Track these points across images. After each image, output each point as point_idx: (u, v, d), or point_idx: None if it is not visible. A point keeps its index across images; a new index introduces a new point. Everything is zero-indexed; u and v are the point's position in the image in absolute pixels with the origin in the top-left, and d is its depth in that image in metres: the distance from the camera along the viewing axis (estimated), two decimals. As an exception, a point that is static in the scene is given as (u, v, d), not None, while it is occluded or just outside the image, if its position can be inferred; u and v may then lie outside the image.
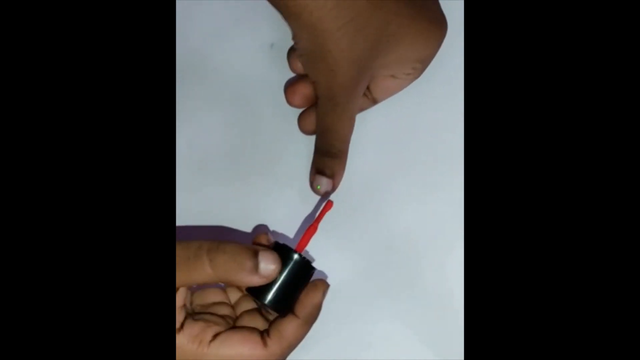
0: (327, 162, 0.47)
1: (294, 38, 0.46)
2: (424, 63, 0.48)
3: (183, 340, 0.39)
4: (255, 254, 0.40)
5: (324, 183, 0.47)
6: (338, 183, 0.48)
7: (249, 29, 0.52)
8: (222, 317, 0.43)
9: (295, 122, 0.50)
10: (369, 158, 0.50)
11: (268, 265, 0.40)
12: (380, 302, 0.49)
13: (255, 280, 0.40)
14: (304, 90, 0.48)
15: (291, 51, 0.49)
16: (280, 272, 0.41)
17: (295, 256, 0.41)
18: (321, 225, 0.48)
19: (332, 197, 0.48)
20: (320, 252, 0.47)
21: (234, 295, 0.45)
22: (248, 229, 0.50)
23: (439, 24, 0.48)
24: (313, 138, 0.49)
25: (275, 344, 0.41)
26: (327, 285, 0.42)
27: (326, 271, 0.49)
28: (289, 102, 0.49)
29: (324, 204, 0.44)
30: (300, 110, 0.49)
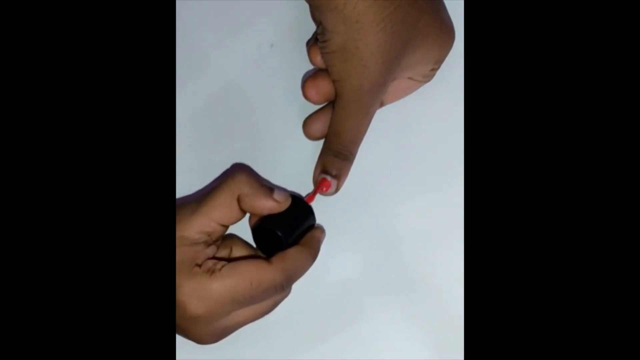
0: (336, 163, 0.47)
1: (323, 33, 0.45)
2: (440, 64, 0.48)
3: (199, 271, 0.43)
4: (271, 187, 0.45)
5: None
6: (342, 184, 0.48)
7: (249, 29, 0.52)
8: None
9: (296, 121, 0.50)
10: (370, 158, 0.50)
11: (281, 194, 0.45)
12: (381, 301, 0.49)
13: (269, 204, 0.44)
14: (324, 87, 0.47)
15: (311, 43, 0.48)
16: (290, 213, 0.45)
17: (303, 203, 0.47)
18: (322, 225, 0.48)
19: (333, 197, 0.48)
20: (321, 252, 0.47)
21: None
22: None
23: (451, 26, 0.48)
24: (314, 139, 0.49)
25: (279, 261, 0.44)
26: (323, 229, 0.48)
27: (327, 270, 0.49)
28: (306, 95, 0.47)
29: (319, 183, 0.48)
30: (302, 109, 0.49)
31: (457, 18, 0.48)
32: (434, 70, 0.48)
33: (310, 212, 0.47)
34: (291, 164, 0.50)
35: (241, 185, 0.44)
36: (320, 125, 0.48)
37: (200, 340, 0.44)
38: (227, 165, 0.51)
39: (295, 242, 0.46)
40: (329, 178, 0.47)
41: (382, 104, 0.49)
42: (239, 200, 0.44)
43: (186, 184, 0.50)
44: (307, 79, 0.47)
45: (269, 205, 0.44)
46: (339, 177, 0.47)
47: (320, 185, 0.47)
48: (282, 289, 0.44)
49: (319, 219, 0.48)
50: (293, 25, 0.51)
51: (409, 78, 0.48)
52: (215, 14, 0.52)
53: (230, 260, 0.45)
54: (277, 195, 0.44)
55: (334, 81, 0.46)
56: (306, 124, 0.49)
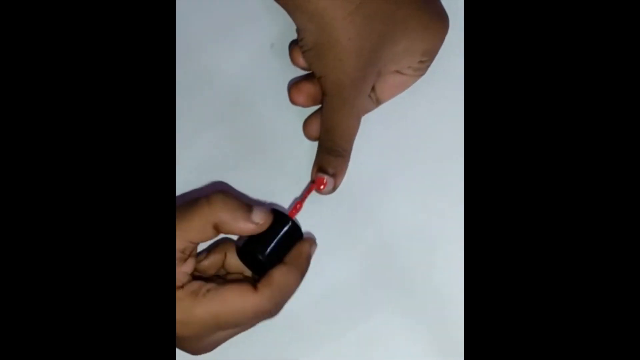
0: (331, 160, 0.47)
1: (299, 33, 0.45)
2: (430, 56, 0.48)
3: (182, 295, 0.42)
4: (249, 207, 0.43)
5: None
6: (340, 182, 0.48)
7: (249, 29, 0.52)
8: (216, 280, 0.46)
9: (296, 121, 0.50)
10: (369, 158, 0.50)
11: (260, 214, 0.43)
12: (380, 302, 0.49)
13: (248, 227, 0.43)
14: (309, 89, 0.47)
15: (293, 45, 0.48)
16: (272, 231, 0.44)
17: (286, 218, 0.45)
18: (321, 225, 0.48)
19: (332, 196, 0.48)
20: (321, 252, 0.47)
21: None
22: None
23: (442, 17, 0.48)
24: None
25: (265, 287, 0.43)
26: (314, 241, 0.46)
27: (326, 271, 0.49)
28: (293, 101, 0.48)
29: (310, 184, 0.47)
30: (302, 110, 0.49)
31: (457, 16, 0.48)
32: (423, 62, 0.48)
33: (294, 228, 0.45)
34: (291, 164, 0.50)
35: (217, 211, 0.42)
36: (319, 125, 0.48)
37: (191, 353, 0.45)
38: (227, 165, 0.51)
39: (280, 259, 0.45)
40: (325, 177, 0.47)
41: (378, 102, 0.49)
42: (216, 227, 0.43)
43: (185, 183, 0.50)
44: (292, 86, 0.48)
45: (247, 229, 0.43)
46: (336, 175, 0.47)
47: (316, 184, 0.47)
48: (269, 315, 0.43)
49: (317, 219, 0.48)
50: (293, 25, 0.50)
51: (397, 72, 0.48)
52: (215, 14, 0.52)
53: (219, 278, 0.46)
54: (255, 216, 0.43)
55: (318, 79, 0.46)
56: (306, 124, 0.49)
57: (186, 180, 0.50)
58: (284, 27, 0.51)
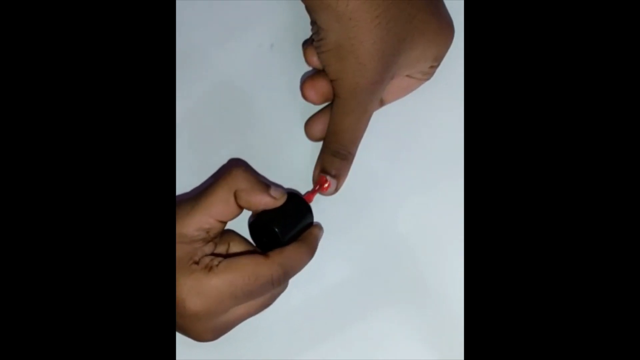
0: (335, 162, 0.47)
1: (318, 32, 0.45)
2: (439, 61, 0.48)
3: (197, 268, 0.43)
4: (267, 184, 0.45)
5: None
6: (341, 184, 0.48)
7: (249, 29, 0.52)
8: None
9: (296, 121, 0.50)
10: (370, 158, 0.50)
11: (277, 191, 0.45)
12: (380, 302, 0.49)
13: (266, 199, 0.44)
14: (323, 87, 0.47)
15: (307, 44, 0.48)
16: (287, 209, 0.45)
17: (301, 200, 0.47)
18: (321, 224, 0.48)
19: (333, 197, 0.48)
20: (321, 252, 0.47)
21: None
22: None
23: (450, 23, 0.48)
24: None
25: (276, 255, 0.44)
26: (321, 227, 0.48)
27: (326, 271, 0.49)
28: (305, 96, 0.48)
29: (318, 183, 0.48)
30: (303, 110, 0.49)
31: (457, 16, 0.48)
32: (433, 67, 0.48)
33: (308, 210, 0.47)
34: (291, 164, 0.50)
35: (238, 181, 0.44)
36: (322, 126, 0.48)
37: (200, 337, 0.45)
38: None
39: (292, 239, 0.46)
40: (328, 178, 0.47)
41: (382, 103, 0.50)
42: (235, 196, 0.44)
43: (185, 183, 0.50)
44: (306, 80, 0.48)
45: (264, 201, 0.44)
46: (338, 177, 0.48)
47: (319, 185, 0.47)
48: (279, 283, 0.44)
49: (318, 219, 0.48)
50: (293, 25, 0.51)
51: (408, 76, 0.48)
52: (215, 14, 0.52)
53: (227, 256, 0.45)
54: (273, 191, 0.45)
55: (331, 80, 0.46)
56: (308, 125, 0.49)
57: (186, 181, 0.50)
58: (284, 27, 0.51)
